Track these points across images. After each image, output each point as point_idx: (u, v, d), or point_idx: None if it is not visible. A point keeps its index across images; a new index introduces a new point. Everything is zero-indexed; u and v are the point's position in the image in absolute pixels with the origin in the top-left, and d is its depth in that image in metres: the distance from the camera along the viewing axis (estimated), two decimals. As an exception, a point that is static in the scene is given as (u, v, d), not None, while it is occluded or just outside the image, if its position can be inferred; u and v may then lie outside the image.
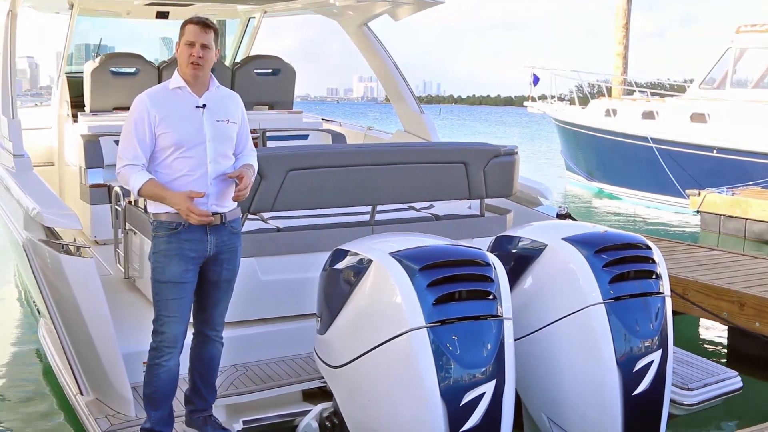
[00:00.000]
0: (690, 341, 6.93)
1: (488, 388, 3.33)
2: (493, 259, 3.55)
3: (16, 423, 5.21)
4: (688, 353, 5.23)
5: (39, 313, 5.85)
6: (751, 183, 13.79)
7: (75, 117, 7.66)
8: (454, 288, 3.37)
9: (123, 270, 5.69)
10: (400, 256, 3.42)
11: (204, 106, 3.67)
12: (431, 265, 3.38)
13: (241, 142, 3.85)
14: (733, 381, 4.89)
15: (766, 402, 5.79)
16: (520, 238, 4.18)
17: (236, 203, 3.82)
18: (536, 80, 20.93)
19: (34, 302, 6.36)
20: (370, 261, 3.48)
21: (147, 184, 3.57)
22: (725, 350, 6.91)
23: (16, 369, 6.22)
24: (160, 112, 3.60)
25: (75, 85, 7.96)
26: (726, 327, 6.89)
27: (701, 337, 7.37)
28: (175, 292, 3.64)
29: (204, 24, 3.65)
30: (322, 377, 4.33)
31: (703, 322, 7.43)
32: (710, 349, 7.05)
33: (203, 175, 3.62)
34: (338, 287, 3.66)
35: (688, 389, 4.68)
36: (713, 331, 7.39)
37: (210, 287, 3.79)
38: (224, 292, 3.84)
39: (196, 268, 3.69)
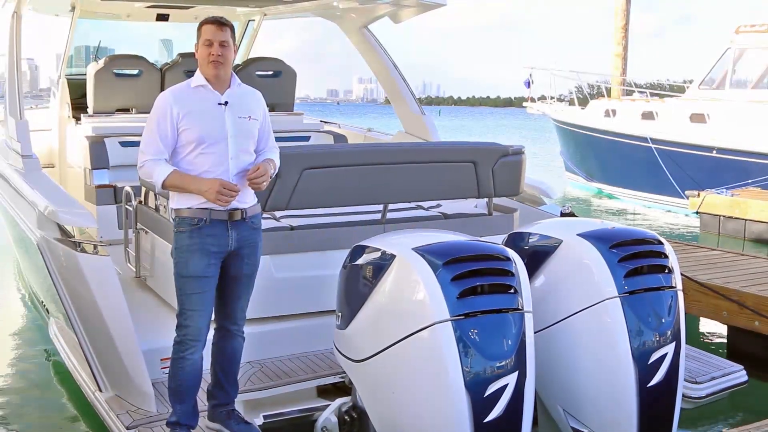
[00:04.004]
0: (690, 340, 6.99)
1: (511, 379, 3.40)
2: (512, 254, 3.63)
3: (32, 421, 5.23)
4: (693, 348, 5.31)
5: (48, 312, 5.86)
6: (750, 181, 13.88)
7: (76, 119, 7.69)
8: (477, 282, 3.44)
9: (133, 269, 5.72)
10: (423, 251, 3.49)
11: (226, 103, 3.73)
12: (454, 260, 3.45)
13: (263, 138, 3.91)
14: (739, 374, 5.00)
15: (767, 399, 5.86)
16: (534, 234, 4.26)
17: (256, 200, 3.88)
18: (527, 83, 21.06)
19: (41, 302, 6.36)
20: (393, 256, 3.54)
21: (171, 175, 3.65)
22: (725, 349, 6.97)
23: (28, 369, 6.21)
24: (183, 108, 3.67)
25: (75, 87, 7.98)
26: (726, 326, 6.96)
27: (701, 336, 7.44)
28: (197, 286, 3.70)
29: (220, 22, 3.71)
30: (338, 373, 4.41)
31: (703, 321, 7.48)
32: (710, 348, 7.12)
33: (225, 171, 3.69)
34: (360, 282, 3.72)
35: (696, 383, 4.78)
36: (713, 330, 7.47)
37: (231, 282, 3.85)
38: (245, 286, 3.90)
39: (218, 262, 3.75)
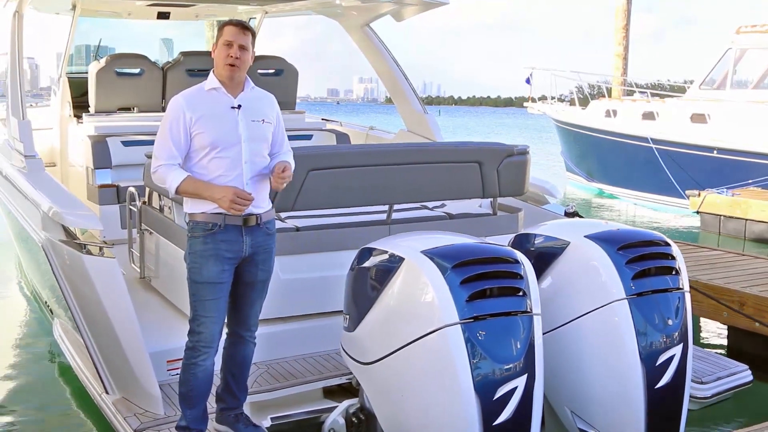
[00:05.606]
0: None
1: (520, 382, 3.40)
2: (521, 256, 3.62)
3: (38, 423, 5.21)
4: (698, 348, 5.32)
5: (52, 313, 5.85)
6: (750, 181, 13.89)
7: (77, 117, 7.68)
8: (486, 285, 3.43)
9: (137, 270, 5.71)
10: (432, 254, 3.48)
11: (239, 106, 3.71)
12: (463, 263, 3.44)
13: (277, 142, 3.89)
14: (744, 374, 5.03)
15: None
16: (541, 236, 4.25)
17: (271, 205, 3.86)
18: (528, 80, 21.07)
19: (45, 302, 6.36)
20: (402, 259, 3.53)
21: (185, 182, 3.62)
22: (725, 350, 6.98)
23: (32, 370, 6.19)
24: (196, 113, 3.64)
25: (76, 86, 7.96)
26: (726, 327, 6.96)
27: (701, 336, 7.43)
28: (211, 293, 3.67)
29: (242, 26, 3.70)
30: (344, 374, 4.41)
31: (703, 321, 7.50)
32: (711, 349, 7.13)
33: (239, 175, 3.66)
34: (368, 285, 3.71)
35: (702, 383, 4.79)
36: (713, 330, 7.48)
37: (245, 288, 3.82)
38: (259, 292, 3.88)
39: (232, 268, 3.73)
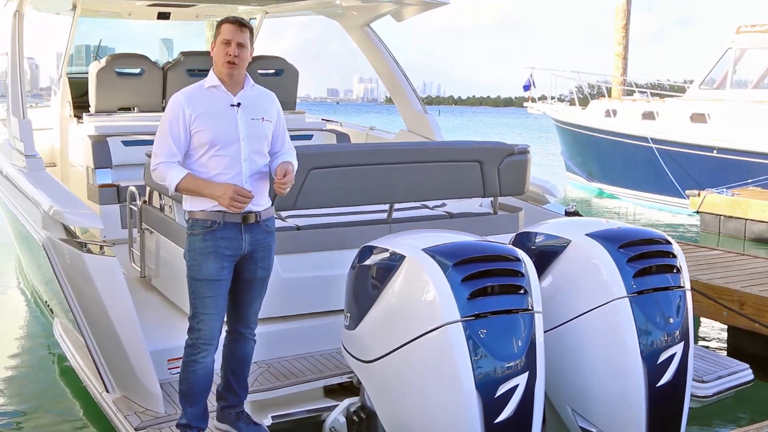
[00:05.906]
0: (691, 341, 6.99)
1: (521, 380, 3.40)
2: (522, 254, 3.63)
3: (38, 422, 5.21)
4: (699, 347, 5.33)
5: (52, 312, 5.85)
6: (750, 181, 13.90)
7: (77, 117, 7.68)
8: (488, 283, 3.43)
9: (138, 269, 5.71)
10: (433, 252, 3.48)
11: (239, 104, 3.71)
12: (465, 261, 3.44)
13: (278, 140, 3.89)
14: (745, 373, 5.02)
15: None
16: (542, 234, 4.26)
17: (270, 202, 3.86)
18: (527, 87, 21.05)
19: (45, 302, 6.36)
20: (403, 257, 3.53)
21: (185, 179, 3.62)
22: (725, 350, 6.98)
23: (32, 369, 6.19)
24: (195, 110, 3.64)
25: (76, 86, 7.97)
26: (726, 326, 6.97)
27: (701, 336, 7.44)
28: (211, 290, 3.67)
29: (240, 23, 3.69)
30: (345, 373, 4.41)
31: (703, 321, 7.51)
32: (711, 349, 7.13)
33: (238, 173, 3.66)
34: (369, 283, 3.71)
35: (703, 381, 4.79)
36: (713, 330, 7.48)
37: (245, 286, 3.82)
38: (259, 290, 3.87)
39: (231, 265, 3.72)
